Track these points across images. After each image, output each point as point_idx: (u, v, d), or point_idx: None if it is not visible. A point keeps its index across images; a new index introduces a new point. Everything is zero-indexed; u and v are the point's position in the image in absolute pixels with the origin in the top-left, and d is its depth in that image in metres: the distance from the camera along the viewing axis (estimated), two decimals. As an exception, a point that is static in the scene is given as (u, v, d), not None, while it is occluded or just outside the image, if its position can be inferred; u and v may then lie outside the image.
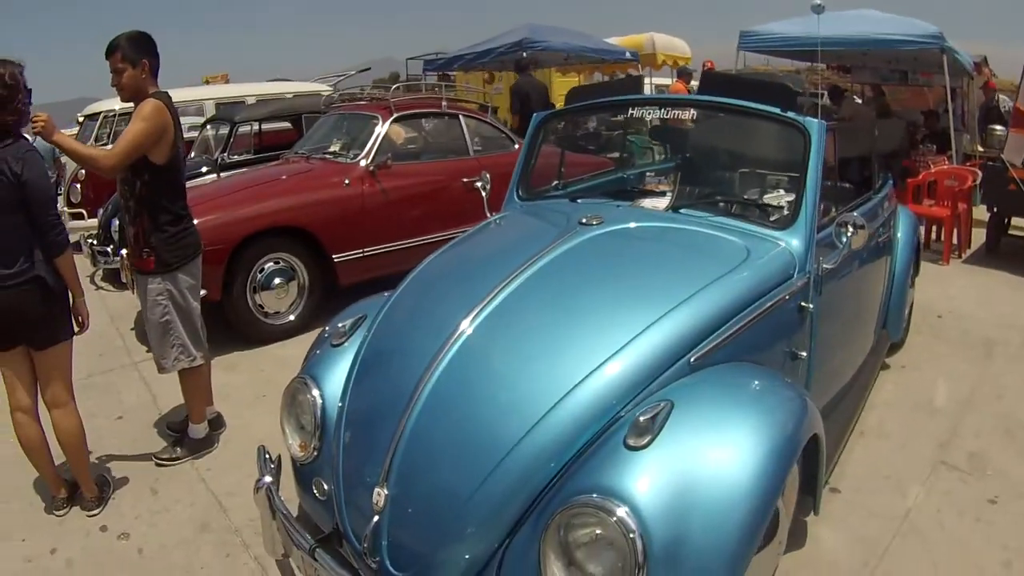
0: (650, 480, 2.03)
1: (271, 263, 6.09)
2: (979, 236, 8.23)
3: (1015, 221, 8.06)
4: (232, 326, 6.01)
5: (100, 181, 9.54)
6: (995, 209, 7.87)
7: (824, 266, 3.12)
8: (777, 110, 3.36)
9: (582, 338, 2.50)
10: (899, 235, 5.01)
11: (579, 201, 3.82)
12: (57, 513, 3.71)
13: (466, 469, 2.26)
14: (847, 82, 13.67)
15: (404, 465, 2.34)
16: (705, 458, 2.10)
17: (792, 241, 3.12)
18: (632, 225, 3.27)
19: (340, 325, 3.14)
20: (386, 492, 2.31)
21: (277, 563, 2.87)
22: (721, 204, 3.57)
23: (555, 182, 4.31)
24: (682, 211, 3.44)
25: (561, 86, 17.77)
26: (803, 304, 2.99)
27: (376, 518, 2.30)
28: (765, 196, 3.39)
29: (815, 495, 2.80)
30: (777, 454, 2.20)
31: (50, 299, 3.46)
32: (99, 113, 10.79)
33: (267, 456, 2.85)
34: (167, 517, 3.66)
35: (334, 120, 7.72)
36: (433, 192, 6.91)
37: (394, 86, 7.98)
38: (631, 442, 2.10)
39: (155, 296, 3.90)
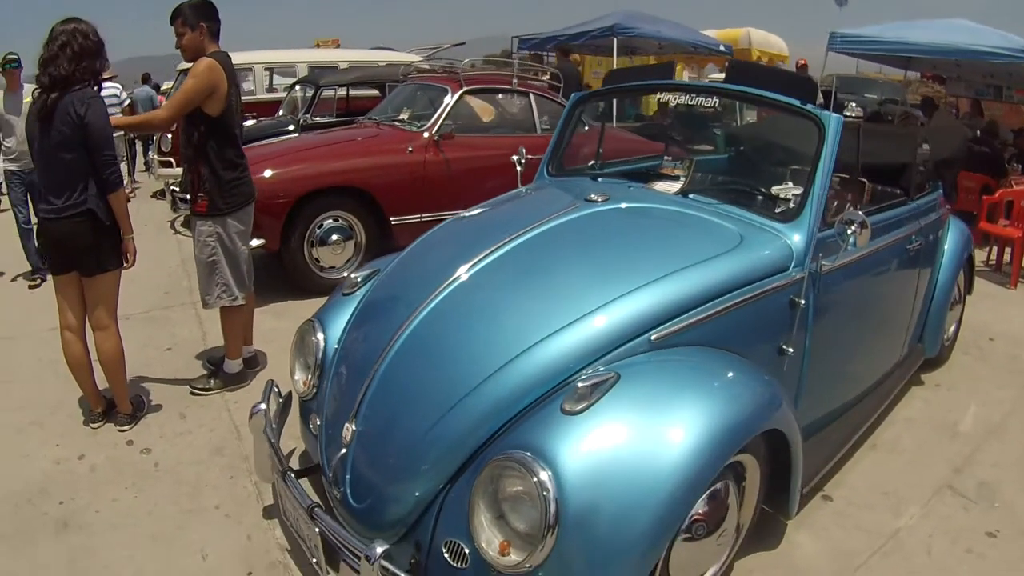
0: (577, 447, 2.11)
1: (331, 220, 6.42)
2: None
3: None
4: (288, 276, 6.34)
5: None
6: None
7: (824, 263, 3.09)
8: (797, 102, 3.34)
9: (550, 302, 2.62)
10: (946, 247, 4.88)
11: (599, 180, 3.92)
12: (92, 425, 4.11)
13: (423, 411, 2.43)
14: (941, 93, 13.15)
15: (372, 403, 2.55)
16: (638, 434, 2.16)
17: (792, 235, 3.11)
18: (634, 205, 3.38)
19: (354, 276, 3.43)
20: (353, 428, 2.54)
21: (272, 487, 3.14)
22: (729, 192, 3.58)
23: (591, 162, 4.40)
24: (691, 196, 3.51)
25: (650, 76, 17.59)
26: (795, 299, 2.97)
27: (343, 451, 2.53)
28: (774, 188, 3.36)
29: (789, 495, 2.82)
30: (715, 442, 2.24)
31: (100, 231, 3.79)
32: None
33: (276, 389, 3.16)
34: (188, 439, 4.02)
35: (410, 90, 7.99)
36: (494, 165, 6.88)
37: (465, 60, 8.08)
38: (567, 407, 2.19)
39: (205, 237, 4.22)
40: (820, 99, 3.41)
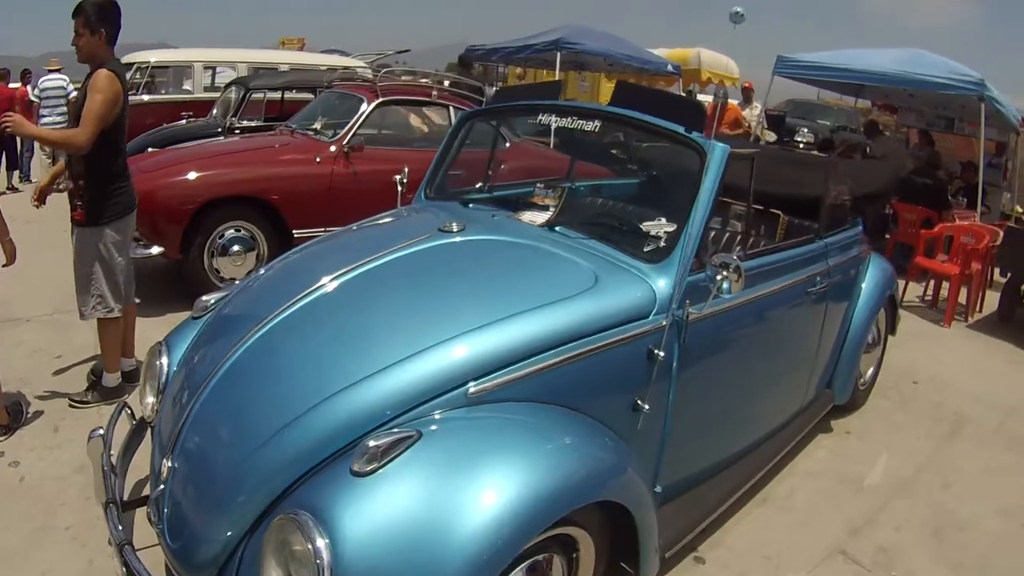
0: (361, 513, 1.91)
1: (233, 230, 6.12)
2: (996, 302, 7.62)
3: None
4: (188, 286, 5.97)
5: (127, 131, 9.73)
6: (1010, 275, 7.29)
7: (691, 311, 2.76)
8: (680, 129, 3.04)
9: (364, 345, 2.42)
10: (863, 286, 4.59)
11: (470, 207, 3.65)
12: None
13: (233, 448, 2.26)
14: (894, 123, 13.00)
15: (188, 438, 2.38)
16: (431, 502, 1.94)
17: (657, 277, 2.79)
18: (488, 237, 3.08)
19: (205, 299, 3.20)
20: (169, 464, 2.37)
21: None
22: (599, 226, 3.27)
23: (479, 184, 4.12)
24: (557, 228, 3.20)
25: (607, 91, 17.52)
26: (653, 350, 2.63)
27: (161, 487, 2.37)
28: (644, 223, 3.03)
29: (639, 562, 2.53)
30: (522, 516, 1.97)
31: None
32: (134, 64, 11.00)
33: (129, 411, 2.98)
34: (56, 454, 3.83)
35: (330, 98, 7.68)
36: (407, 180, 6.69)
37: (383, 70, 7.79)
38: (356, 467, 1.98)
39: (82, 247, 4.13)
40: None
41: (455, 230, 3.05)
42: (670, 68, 13.56)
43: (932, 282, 7.72)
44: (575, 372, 2.48)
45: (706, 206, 2.88)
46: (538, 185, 3.60)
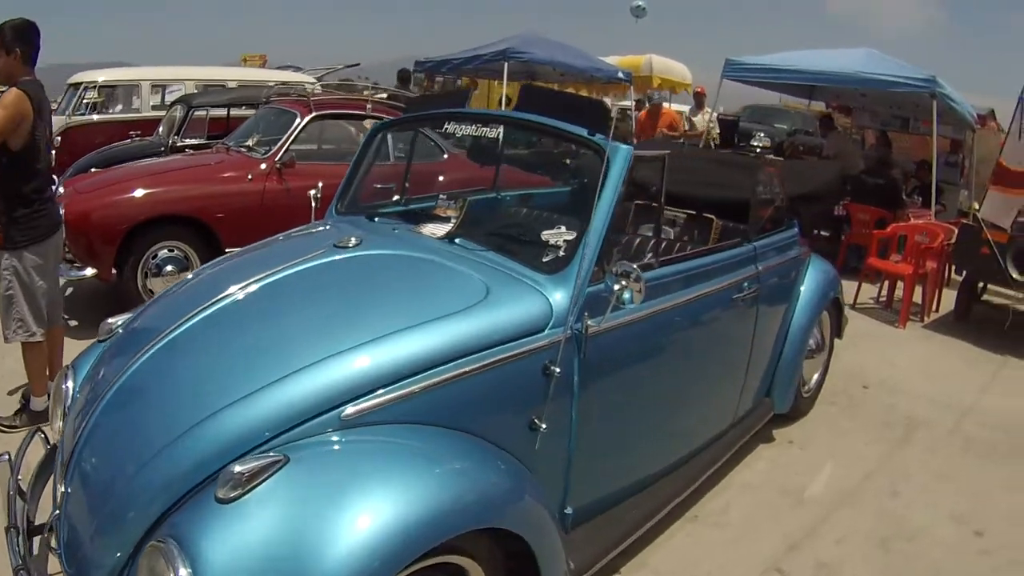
0: (225, 541, 1.83)
1: (166, 250, 6.02)
2: (953, 300, 7.54)
3: (993, 287, 7.39)
4: (121, 307, 5.75)
5: (75, 147, 9.76)
6: (965, 273, 7.19)
7: (590, 324, 2.59)
8: (584, 132, 2.89)
9: (239, 368, 2.32)
10: (802, 289, 4.44)
11: (376, 220, 3.50)
12: None
13: (117, 471, 2.18)
14: (849, 124, 12.97)
15: (80, 460, 2.31)
16: (296, 529, 1.85)
17: (554, 288, 2.63)
18: (382, 252, 2.98)
19: (109, 321, 3.10)
20: (63, 489, 2.32)
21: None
22: (499, 237, 3.12)
23: (396, 196, 3.99)
24: (457, 241, 3.04)
25: (559, 102, 17.41)
26: (549, 366, 2.46)
27: (56, 512, 2.32)
28: (544, 232, 2.86)
29: None
30: (392, 542, 1.87)
31: None
32: (81, 83, 10.91)
33: (44, 436, 2.87)
34: None
35: (266, 113, 7.51)
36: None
37: (318, 83, 7.69)
38: (220, 494, 1.90)
39: (1, 271, 4.09)
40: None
41: (351, 245, 2.94)
42: (620, 75, 13.40)
43: (887, 283, 7.60)
44: (463, 391, 2.33)
45: (607, 211, 2.73)
46: (441, 197, 3.47)
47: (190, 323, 2.54)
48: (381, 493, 1.94)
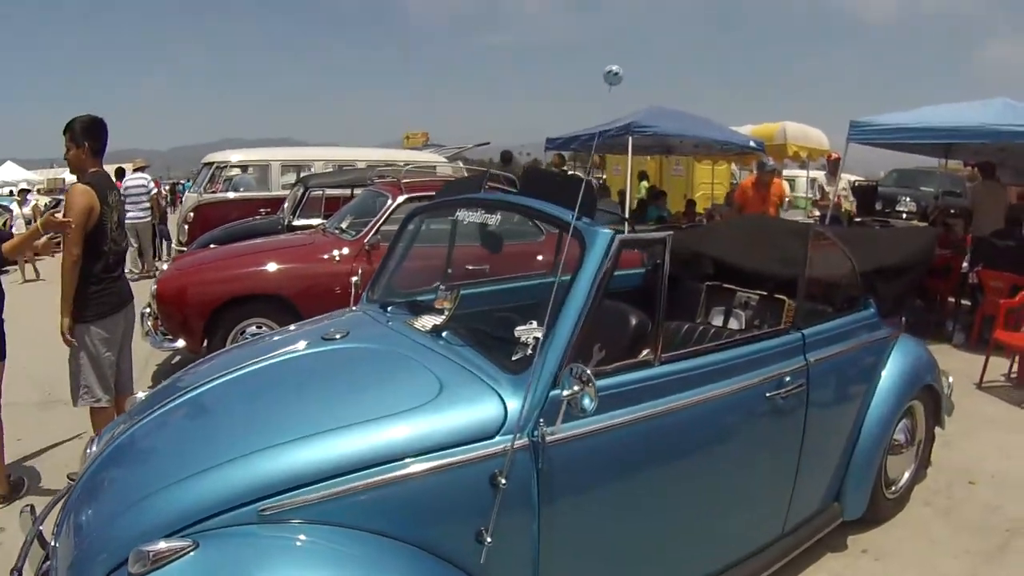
0: None
1: (255, 326, 6.29)
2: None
3: None
4: None
5: (206, 223, 10.52)
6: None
7: (547, 431, 2.39)
8: (569, 215, 2.74)
9: (181, 454, 2.43)
10: (883, 377, 3.99)
11: (388, 311, 3.50)
12: None
13: (80, 535, 2.33)
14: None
15: (65, 520, 2.49)
16: None
17: (511, 391, 2.47)
18: (362, 345, 3.04)
19: (138, 395, 3.30)
20: (53, 544, 2.48)
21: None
22: (478, 332, 3.00)
23: (436, 283, 3.83)
24: (444, 334, 2.98)
25: (702, 173, 17.15)
26: (497, 476, 2.27)
27: (48, 562, 2.47)
28: (517, 329, 2.68)
29: None
30: None
31: None
32: (213, 163, 11.74)
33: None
34: None
35: (366, 195, 7.77)
36: (428, 278, 6.64)
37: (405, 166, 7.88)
38: (131, 570, 1.99)
39: (73, 342, 4.43)
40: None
41: (336, 338, 3.05)
42: (752, 144, 12.92)
43: (1018, 358, 6.83)
44: (397, 496, 2.25)
45: (581, 303, 2.55)
46: (440, 288, 3.39)
47: (169, 406, 2.73)
48: None
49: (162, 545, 2.01)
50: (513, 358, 2.62)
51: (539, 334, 2.57)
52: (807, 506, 3.66)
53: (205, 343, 6.18)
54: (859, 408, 3.88)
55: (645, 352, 2.81)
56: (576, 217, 2.71)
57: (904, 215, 11.27)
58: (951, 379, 4.66)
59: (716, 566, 3.17)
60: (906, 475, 4.39)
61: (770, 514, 3.46)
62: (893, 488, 4.29)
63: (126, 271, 4.81)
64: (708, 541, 3.17)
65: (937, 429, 4.59)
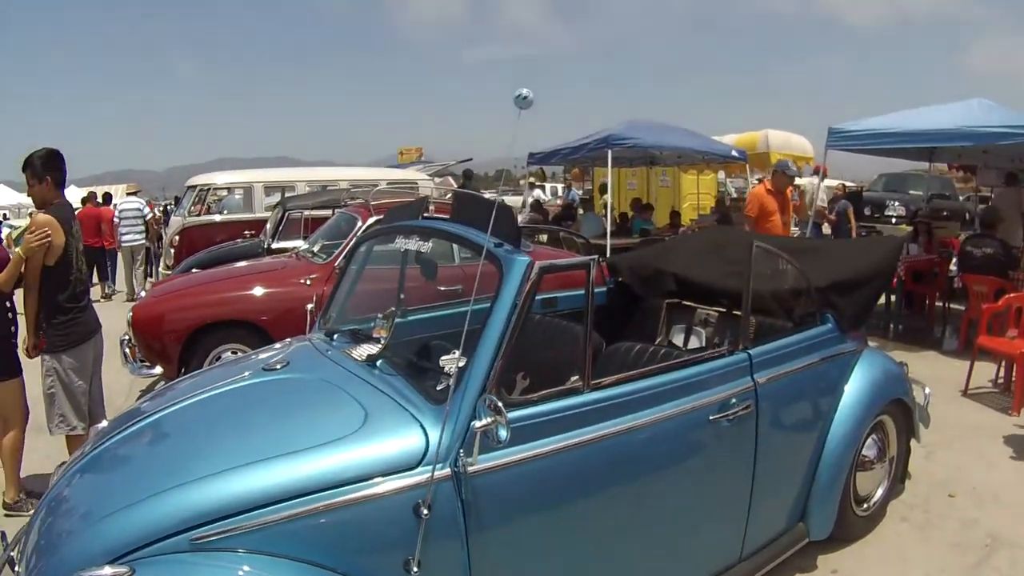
0: None
1: (230, 351, 6.25)
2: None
3: None
4: None
5: (192, 246, 10.60)
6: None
7: (467, 461, 2.35)
8: (492, 241, 2.72)
9: (118, 485, 2.51)
10: (846, 393, 3.88)
11: (334, 338, 3.51)
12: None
13: (33, 558, 2.37)
14: (973, 186, 11.81)
15: (24, 545, 2.51)
16: None
17: (433, 421, 2.45)
18: (296, 376, 3.05)
19: (100, 426, 3.37)
20: (17, 569, 2.48)
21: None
22: (409, 362, 3.00)
23: (388, 309, 3.77)
24: (379, 363, 2.98)
25: (688, 184, 17.15)
26: (420, 506, 2.25)
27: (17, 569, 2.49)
28: (442, 358, 2.68)
29: None
30: None
31: None
32: (197, 186, 11.77)
33: None
34: None
35: (337, 218, 7.76)
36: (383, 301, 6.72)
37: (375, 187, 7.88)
38: None
39: (45, 371, 4.54)
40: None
41: (277, 368, 3.07)
42: (735, 153, 12.88)
43: (1004, 363, 6.70)
44: (322, 526, 2.26)
45: (499, 332, 2.51)
46: (378, 316, 3.35)
47: (120, 435, 2.79)
48: None
49: (98, 571, 2.07)
50: (438, 388, 2.60)
51: (461, 364, 2.54)
52: (768, 528, 3.56)
53: (183, 370, 6.12)
54: (820, 426, 3.77)
55: (574, 379, 2.72)
56: (496, 244, 2.65)
57: (893, 220, 11.19)
58: (928, 390, 4.55)
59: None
60: (879, 491, 4.27)
61: (724, 538, 3.35)
62: (865, 505, 4.18)
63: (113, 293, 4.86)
64: (651, 569, 3.07)
65: (913, 442, 4.46)
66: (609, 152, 10.91)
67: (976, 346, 6.60)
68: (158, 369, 6.20)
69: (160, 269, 11.90)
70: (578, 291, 4.23)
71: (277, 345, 3.77)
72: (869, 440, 4.07)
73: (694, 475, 3.13)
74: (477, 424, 2.30)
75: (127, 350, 6.35)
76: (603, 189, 15.97)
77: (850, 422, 3.83)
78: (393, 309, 3.54)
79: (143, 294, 7.24)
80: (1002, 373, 6.73)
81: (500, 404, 2.26)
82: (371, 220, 6.64)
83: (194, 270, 8.22)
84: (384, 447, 2.40)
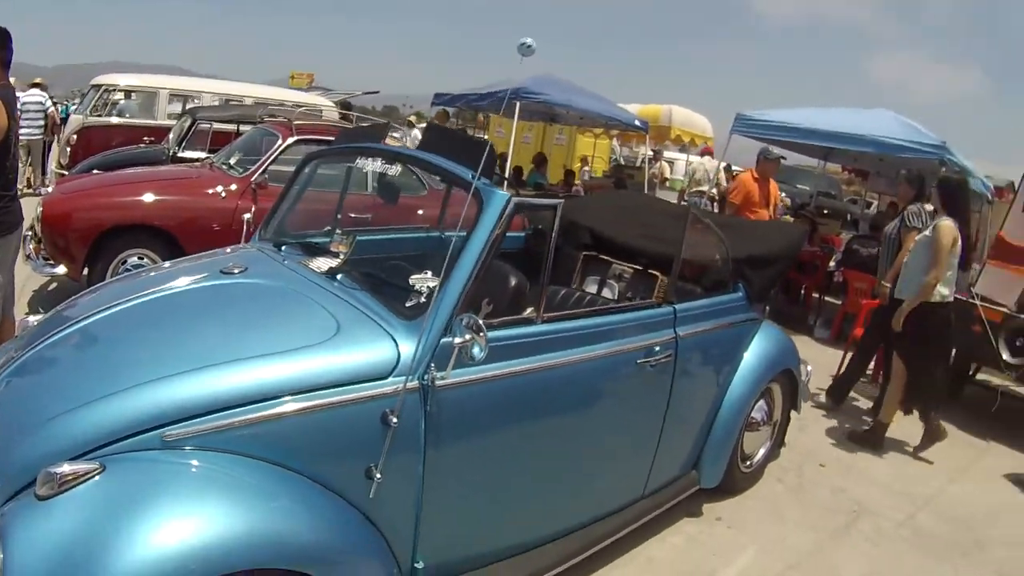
0: (36, 536, 1.94)
1: (137, 257, 6.17)
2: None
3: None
4: None
5: (90, 146, 10.23)
6: (954, 351, 6.76)
7: (436, 376, 2.49)
8: (469, 175, 2.80)
9: (83, 379, 2.41)
10: (745, 358, 4.23)
11: (282, 250, 3.48)
12: None
13: None
14: (864, 189, 12.60)
15: None
16: (97, 533, 1.95)
17: (405, 336, 2.55)
18: (258, 282, 3.03)
19: (28, 319, 3.24)
20: None
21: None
22: (373, 278, 3.06)
23: (327, 227, 3.92)
24: (339, 277, 3.02)
25: (583, 146, 17.43)
26: (389, 415, 2.36)
27: None
28: (412, 277, 2.77)
29: None
30: (185, 559, 1.94)
31: None
32: (103, 85, 11.24)
33: None
34: None
35: (255, 133, 7.61)
36: (312, 220, 6.64)
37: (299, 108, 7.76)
38: (38, 492, 2.01)
39: None
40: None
41: (235, 272, 3.04)
42: (638, 123, 13.03)
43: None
44: (293, 429, 2.32)
45: (474, 259, 2.64)
46: (337, 232, 3.41)
47: (64, 332, 2.68)
48: (183, 511, 2.02)
49: (69, 468, 2.02)
50: (407, 304, 2.69)
51: (432, 284, 2.65)
52: (667, 471, 3.86)
53: (86, 271, 6.02)
54: (721, 384, 4.10)
55: (529, 310, 2.89)
56: (476, 177, 2.77)
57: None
58: (810, 368, 4.95)
59: (581, 519, 3.33)
60: (761, 452, 4.68)
61: (633, 475, 3.64)
62: (749, 463, 4.56)
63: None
64: (576, 494, 3.31)
65: (793, 412, 4.88)
66: (517, 104, 10.87)
67: (851, 337, 7.13)
68: (61, 268, 6.01)
69: (52, 167, 11.33)
70: (514, 233, 4.43)
71: (216, 252, 3.71)
72: (759, 404, 4.44)
73: (617, 412, 3.39)
74: (457, 340, 2.42)
75: (31, 246, 6.13)
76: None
77: (747, 384, 4.19)
78: (353, 228, 3.61)
79: (48, 190, 6.88)
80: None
81: (480, 322, 2.40)
82: (291, 140, 6.61)
83: (95, 171, 7.90)
84: (358, 356, 2.48)
